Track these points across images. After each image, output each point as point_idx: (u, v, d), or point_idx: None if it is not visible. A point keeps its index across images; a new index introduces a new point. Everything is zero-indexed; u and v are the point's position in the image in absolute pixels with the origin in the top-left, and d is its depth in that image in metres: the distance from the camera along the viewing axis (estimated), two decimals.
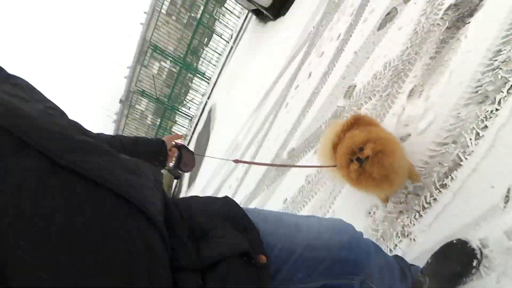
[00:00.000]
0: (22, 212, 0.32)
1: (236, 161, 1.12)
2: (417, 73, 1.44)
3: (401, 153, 1.02)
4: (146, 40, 11.52)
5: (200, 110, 8.98)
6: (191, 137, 8.87)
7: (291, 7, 4.24)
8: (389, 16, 1.90)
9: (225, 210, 0.57)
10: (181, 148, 0.96)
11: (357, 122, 1.14)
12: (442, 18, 1.46)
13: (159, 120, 11.77)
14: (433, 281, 0.84)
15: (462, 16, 1.37)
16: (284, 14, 4.40)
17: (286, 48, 3.61)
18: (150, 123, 14.35)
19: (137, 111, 14.47)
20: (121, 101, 15.13)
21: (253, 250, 0.50)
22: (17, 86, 0.44)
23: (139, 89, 9.04)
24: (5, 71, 0.48)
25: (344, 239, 0.67)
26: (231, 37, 8.38)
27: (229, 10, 8.31)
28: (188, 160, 0.98)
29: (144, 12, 11.62)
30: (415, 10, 1.68)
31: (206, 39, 10.37)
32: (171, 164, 0.95)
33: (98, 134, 0.74)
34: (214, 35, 9.31)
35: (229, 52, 8.07)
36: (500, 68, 1.06)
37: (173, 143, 0.94)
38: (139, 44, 11.88)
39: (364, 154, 0.95)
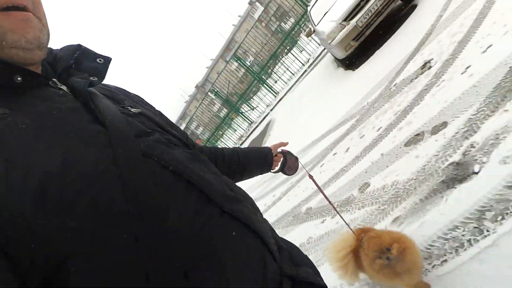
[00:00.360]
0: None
1: (311, 177, 1.24)
2: (407, 206, 1.82)
3: (418, 249, 1.23)
4: (234, 40, 12.76)
5: (261, 118, 9.74)
6: (246, 139, 9.73)
7: (361, 66, 4.54)
8: (417, 137, 2.23)
9: (309, 260, 0.75)
10: (286, 154, 1.09)
11: (367, 231, 1.42)
12: (443, 169, 1.80)
13: (225, 110, 13.03)
14: None
15: (456, 177, 1.69)
16: (354, 69, 4.72)
17: (341, 108, 4.00)
18: (216, 110, 15.86)
19: (208, 98, 16.08)
20: (197, 86, 17.10)
21: None
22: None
23: (214, 89, 10.18)
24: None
25: None
26: (308, 61, 8.81)
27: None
28: (292, 164, 1.10)
29: (239, 16, 12.89)
30: (433, 147, 2.00)
31: (285, 51, 11.00)
32: (276, 168, 1.08)
33: (222, 149, 0.94)
34: (292, 52, 9.86)
35: (302, 74, 8.54)
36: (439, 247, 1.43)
37: (279, 150, 1.08)
38: (227, 43, 13.27)
39: (392, 254, 1.16)
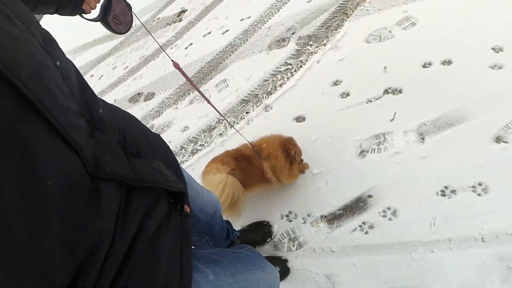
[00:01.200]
0: None
1: (176, 66, 0.97)
2: None
3: None
4: None
5: None
6: None
7: None
8: (136, 97, 2.70)
9: (164, 150, 0.54)
10: None
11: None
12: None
13: None
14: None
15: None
16: None
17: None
18: None
19: None
20: None
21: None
22: None
23: None
24: None
25: (219, 209, 0.88)
26: None
27: None
28: (122, 13, 0.70)
29: None
30: (139, 113, 2.56)
31: None
32: (93, 15, 0.66)
33: None
34: None
35: None
36: None
37: None
38: None
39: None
